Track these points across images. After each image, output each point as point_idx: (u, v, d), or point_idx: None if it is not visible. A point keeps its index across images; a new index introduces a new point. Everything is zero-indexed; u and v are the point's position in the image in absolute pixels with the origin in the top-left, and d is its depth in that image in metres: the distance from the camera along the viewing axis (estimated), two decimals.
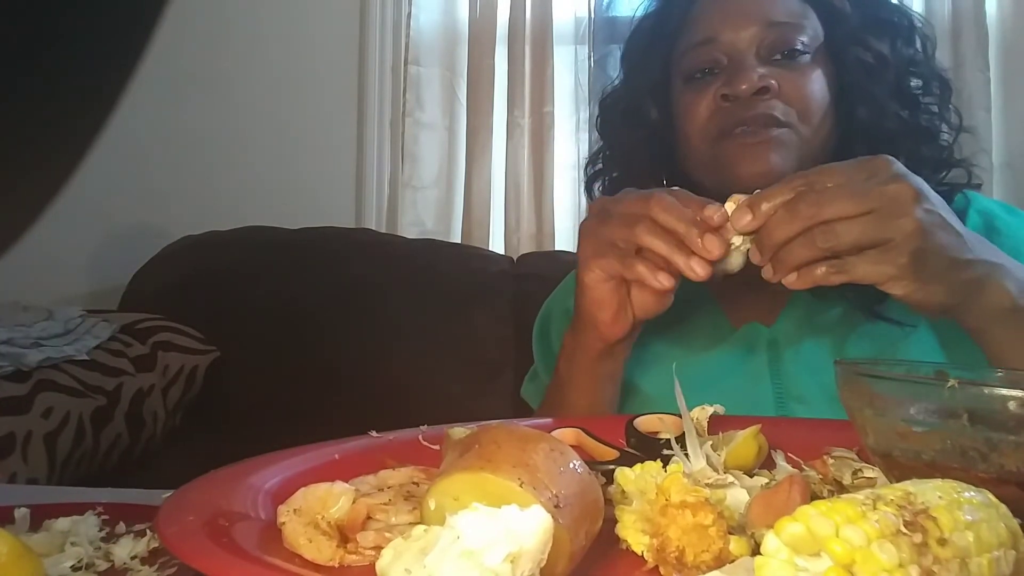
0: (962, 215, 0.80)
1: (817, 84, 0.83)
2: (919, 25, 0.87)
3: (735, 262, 0.67)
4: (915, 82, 0.86)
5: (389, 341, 1.54)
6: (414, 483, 0.50)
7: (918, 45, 0.86)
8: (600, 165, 0.98)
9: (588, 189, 0.99)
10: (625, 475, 0.45)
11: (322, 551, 0.40)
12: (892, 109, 0.83)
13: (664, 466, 0.46)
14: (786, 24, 0.83)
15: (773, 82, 0.81)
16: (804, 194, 0.63)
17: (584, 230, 0.75)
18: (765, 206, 0.64)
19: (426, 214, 1.95)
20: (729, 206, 0.66)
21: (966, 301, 0.66)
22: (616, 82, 0.99)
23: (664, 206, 0.68)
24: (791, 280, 0.64)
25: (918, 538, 0.31)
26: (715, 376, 0.84)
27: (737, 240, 0.66)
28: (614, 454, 0.57)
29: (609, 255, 0.72)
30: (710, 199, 0.68)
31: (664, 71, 0.91)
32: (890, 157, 0.66)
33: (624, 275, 0.71)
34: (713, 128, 0.83)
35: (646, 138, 0.92)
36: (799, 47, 0.83)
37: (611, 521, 0.43)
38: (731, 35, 0.84)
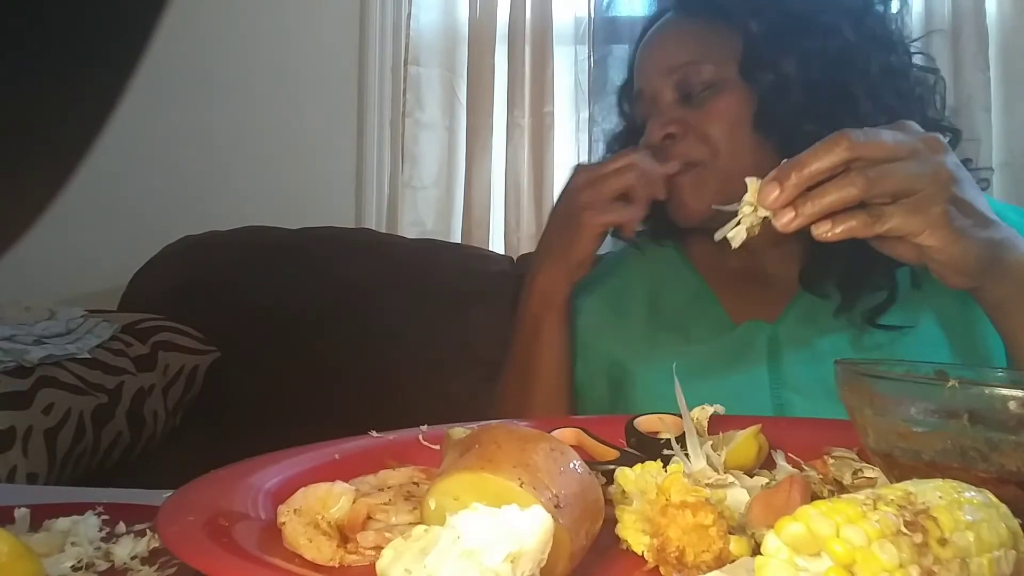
0: None
1: (725, 116, 0.84)
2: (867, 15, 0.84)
3: (740, 235, 0.62)
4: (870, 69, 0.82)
5: (389, 341, 1.54)
6: (414, 483, 0.50)
7: (852, 35, 0.82)
8: None
9: None
10: (625, 475, 0.45)
11: (322, 551, 0.40)
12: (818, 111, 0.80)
13: (664, 466, 0.46)
14: (684, 66, 0.86)
15: (673, 129, 0.85)
16: (841, 135, 0.60)
17: (579, 195, 0.86)
18: (795, 178, 0.59)
19: (426, 214, 1.95)
20: (751, 182, 0.61)
21: (992, 266, 0.64)
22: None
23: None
24: (823, 230, 0.59)
25: (918, 538, 0.31)
26: (711, 365, 0.85)
27: (747, 209, 0.61)
28: (614, 454, 0.57)
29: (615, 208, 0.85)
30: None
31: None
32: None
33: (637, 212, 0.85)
34: None
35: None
36: (699, 87, 0.85)
37: (611, 521, 0.43)
38: (649, 86, 0.89)
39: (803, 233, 0.61)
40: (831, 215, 0.59)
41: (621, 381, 0.90)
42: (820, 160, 0.58)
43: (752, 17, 0.83)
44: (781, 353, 0.85)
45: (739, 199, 0.62)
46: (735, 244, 0.62)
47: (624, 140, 0.97)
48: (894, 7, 0.86)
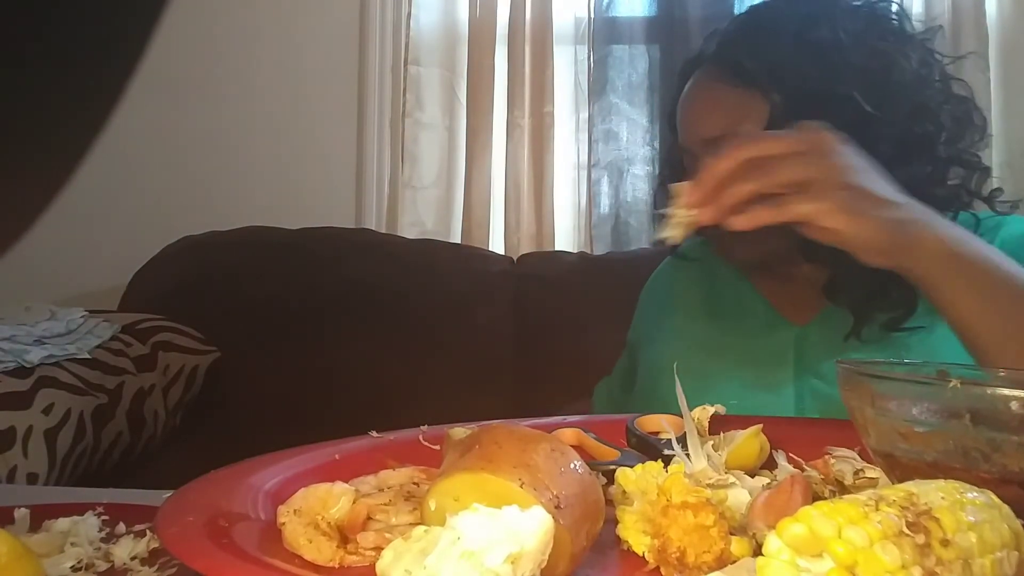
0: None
1: None
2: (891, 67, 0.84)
3: (676, 233, 0.71)
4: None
5: (389, 341, 1.54)
6: (414, 483, 0.50)
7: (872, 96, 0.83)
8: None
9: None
10: (626, 475, 0.45)
11: (322, 552, 0.40)
12: None
13: (665, 466, 0.46)
14: (718, 139, 0.87)
15: None
16: (738, 140, 0.69)
17: None
18: (706, 179, 0.69)
19: (426, 214, 1.94)
20: (679, 188, 0.71)
21: (900, 243, 0.68)
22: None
23: None
24: (739, 222, 0.67)
25: (921, 539, 0.31)
26: (738, 348, 0.91)
27: (680, 212, 0.70)
28: (615, 454, 0.57)
29: None
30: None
31: None
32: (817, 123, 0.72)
33: None
34: None
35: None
36: None
37: (612, 521, 0.43)
38: (688, 146, 0.93)
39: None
40: (743, 208, 0.68)
41: (648, 356, 0.99)
42: (722, 163, 0.68)
43: (775, 88, 0.85)
44: (807, 353, 0.89)
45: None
46: (672, 241, 0.71)
47: (670, 168, 1.03)
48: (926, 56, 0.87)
